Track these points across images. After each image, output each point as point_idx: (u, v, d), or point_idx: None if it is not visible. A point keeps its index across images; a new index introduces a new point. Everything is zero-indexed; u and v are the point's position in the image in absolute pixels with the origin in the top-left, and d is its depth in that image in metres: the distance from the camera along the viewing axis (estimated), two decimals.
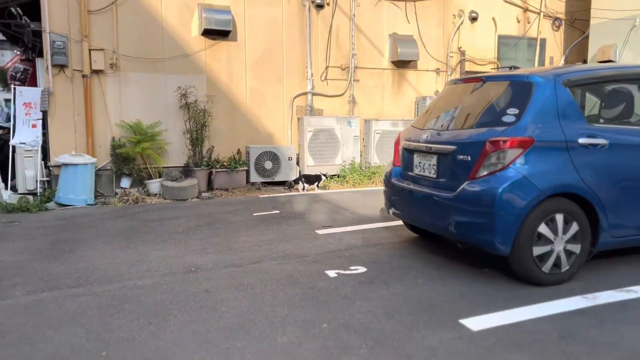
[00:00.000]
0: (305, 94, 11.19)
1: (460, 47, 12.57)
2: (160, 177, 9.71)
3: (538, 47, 13.35)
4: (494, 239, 4.36)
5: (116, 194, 9.48)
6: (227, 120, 10.52)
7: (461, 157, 4.69)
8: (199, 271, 5.16)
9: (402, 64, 12.00)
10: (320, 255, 5.61)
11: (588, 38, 13.65)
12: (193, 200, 9.26)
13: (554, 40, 13.65)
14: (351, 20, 11.40)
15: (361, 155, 11.33)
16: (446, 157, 4.89)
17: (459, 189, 4.62)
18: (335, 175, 10.93)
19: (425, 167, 5.18)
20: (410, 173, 5.50)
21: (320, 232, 6.62)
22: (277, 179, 10.47)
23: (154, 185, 9.57)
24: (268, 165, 10.35)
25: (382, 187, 9.63)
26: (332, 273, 5.00)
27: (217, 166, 10.04)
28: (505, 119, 4.55)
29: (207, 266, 5.31)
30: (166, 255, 5.74)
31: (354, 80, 11.57)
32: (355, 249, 5.83)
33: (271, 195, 9.57)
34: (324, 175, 10.16)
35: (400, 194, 5.59)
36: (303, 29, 11.03)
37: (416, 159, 5.37)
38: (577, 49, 13.67)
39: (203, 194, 9.62)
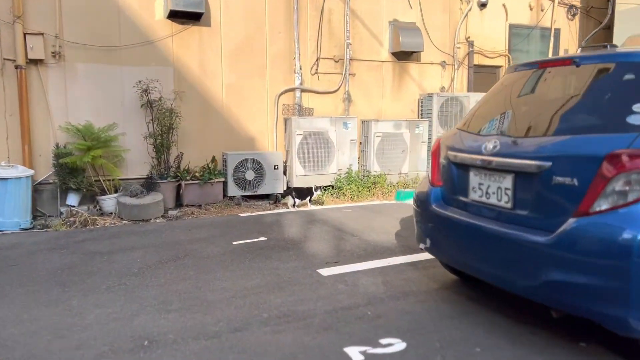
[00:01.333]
0: (292, 90, 9.46)
1: (469, 37, 11.00)
2: (116, 192, 7.87)
3: (552, 38, 11.88)
4: (625, 314, 2.71)
5: (61, 213, 7.61)
6: (199, 121, 8.74)
7: (561, 179, 3.03)
8: (153, 348, 3.42)
9: (403, 56, 10.37)
10: (331, 314, 3.90)
11: (609, 28, 12.25)
12: (157, 221, 7.45)
13: (568, 30, 12.20)
14: (346, 4, 9.71)
15: (359, 163, 9.66)
16: (531, 178, 3.22)
17: (559, 230, 2.96)
18: (329, 186, 9.24)
19: (492, 191, 3.52)
20: (462, 198, 3.83)
21: (325, 272, 4.91)
22: (261, 191, 8.73)
23: (109, 202, 7.74)
24: (249, 175, 8.59)
25: (385, 202, 7.93)
26: (355, 353, 3.30)
27: (188, 177, 8.25)
28: (633, 119, 2.91)
29: (166, 337, 3.57)
30: (110, 315, 3.97)
31: (349, 75, 9.90)
32: (379, 302, 4.14)
33: (254, 213, 7.82)
34: (317, 188, 8.44)
35: (445, 227, 3.92)
36: (290, 13, 9.31)
37: (474, 178, 3.70)
38: (593, 40, 12.24)
39: (170, 213, 7.83)
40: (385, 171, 9.54)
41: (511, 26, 11.49)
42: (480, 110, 4.16)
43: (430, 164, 4.35)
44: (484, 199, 3.61)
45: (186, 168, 8.45)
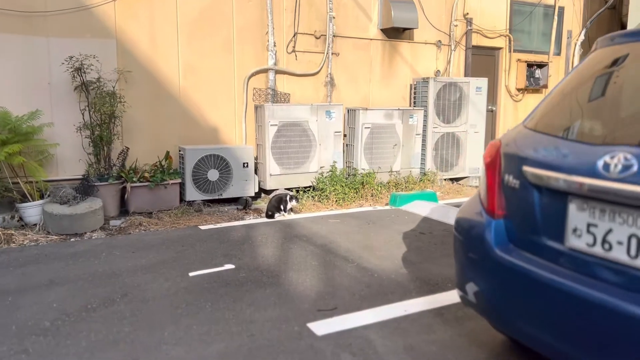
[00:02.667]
0: (265, 71, 7.88)
1: (467, 14, 9.60)
2: (42, 197, 6.19)
3: (556, 17, 10.59)
4: None
5: None
6: (149, 109, 7.09)
7: None
8: None
9: (394, 33, 8.89)
10: None
11: (614, 9, 11.04)
12: (94, 235, 5.82)
13: (572, 10, 10.94)
14: None
15: (344, 159, 8.18)
16: None
17: None
18: (309, 187, 7.74)
19: (618, 239, 2.09)
20: (552, 244, 2.39)
21: (319, 327, 3.44)
22: (227, 195, 7.16)
23: (32, 211, 6.05)
24: (213, 175, 7.01)
25: (377, 207, 6.55)
26: None
27: (135, 179, 6.61)
28: None
29: None
30: None
31: (332, 54, 8.36)
32: None
33: (219, 224, 6.25)
34: (293, 198, 6.95)
35: (514, 285, 2.48)
36: None
37: (578, 214, 2.26)
38: (598, 22, 11.02)
39: (112, 223, 6.21)
40: (375, 169, 8.09)
41: (513, 2, 10.13)
42: (566, 102, 2.72)
43: (484, 180, 2.89)
44: (598, 250, 2.17)
45: (133, 167, 6.80)
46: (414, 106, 8.92)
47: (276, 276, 4.42)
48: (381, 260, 4.81)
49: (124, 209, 6.71)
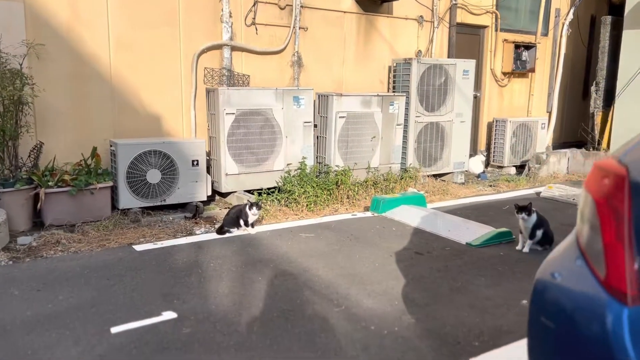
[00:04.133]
0: (219, 47, 6.48)
1: None
2: None
3: None
4: None
5: None
6: (70, 93, 5.60)
7: None
8: None
9: (371, 6, 7.63)
10: None
11: None
12: None
13: None
14: None
15: (315, 154, 6.92)
16: None
17: None
18: (274, 188, 6.45)
19: None
20: None
21: None
22: (172, 200, 5.80)
23: None
24: (153, 176, 5.63)
25: (357, 214, 5.54)
26: None
27: (51, 183, 5.16)
28: None
29: None
30: None
31: (299, 28, 7.03)
32: None
33: (160, 243, 4.87)
34: (257, 203, 5.68)
35: None
36: None
37: None
38: (586, 0, 10.07)
39: (20, 241, 4.78)
40: (350, 165, 6.87)
41: None
42: None
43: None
44: None
45: (49, 167, 5.34)
46: (394, 91, 7.71)
47: (235, 332, 3.14)
48: (376, 301, 3.60)
49: (38, 221, 5.26)
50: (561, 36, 9.90)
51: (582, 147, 9.66)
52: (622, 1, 9.70)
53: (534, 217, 4.55)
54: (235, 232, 5.11)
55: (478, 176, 8.57)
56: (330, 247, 4.72)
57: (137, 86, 5.98)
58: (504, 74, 9.37)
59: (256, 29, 6.73)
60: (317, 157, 6.96)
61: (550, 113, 10.11)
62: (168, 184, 5.73)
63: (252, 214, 5.01)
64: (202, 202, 5.97)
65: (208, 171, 6.18)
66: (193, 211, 5.82)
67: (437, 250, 4.70)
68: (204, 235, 5.11)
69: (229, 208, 6.10)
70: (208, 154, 6.31)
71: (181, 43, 6.20)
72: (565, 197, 6.65)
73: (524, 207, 4.53)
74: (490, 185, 7.87)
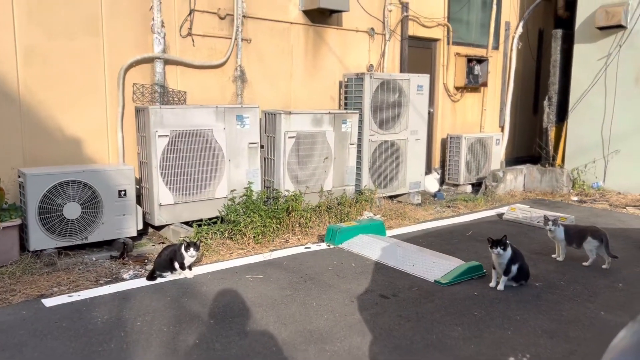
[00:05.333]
0: (150, 60, 5.74)
1: None
2: None
3: (494, 6, 9.36)
4: None
5: None
6: None
7: None
8: None
9: (320, 17, 7.09)
10: None
11: (549, 0, 10.07)
12: None
13: (510, 0, 9.78)
14: None
15: (263, 178, 6.25)
16: None
17: None
18: (216, 219, 5.73)
19: None
20: None
21: None
22: (95, 237, 4.98)
23: None
24: (72, 210, 4.80)
25: (310, 245, 5.08)
26: None
27: None
28: None
29: None
30: None
31: (242, 40, 6.38)
32: None
33: (76, 295, 4.04)
34: (195, 243, 4.97)
35: None
36: None
37: None
38: (533, 14, 9.97)
39: None
40: (302, 188, 6.26)
41: None
42: None
43: None
44: None
45: None
46: (346, 108, 7.18)
47: None
48: None
49: None
50: (511, 50, 9.73)
51: (537, 162, 9.47)
52: (569, 15, 9.67)
53: (509, 251, 4.07)
54: (169, 276, 4.36)
55: (434, 196, 8.15)
56: (282, 293, 4.06)
57: (52, 105, 5.13)
58: (457, 88, 9.06)
59: (193, 41, 6.03)
60: (264, 181, 6.29)
61: (502, 128, 9.89)
62: (90, 219, 4.91)
63: (189, 256, 4.28)
64: (132, 237, 5.18)
65: (139, 202, 5.39)
66: (121, 249, 5.01)
67: (403, 291, 4.13)
68: (132, 281, 4.33)
69: (163, 243, 5.37)
70: (138, 181, 5.52)
71: (105, 55, 5.41)
72: (529, 219, 6.29)
73: (498, 241, 4.04)
74: (448, 206, 7.44)
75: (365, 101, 6.90)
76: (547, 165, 9.01)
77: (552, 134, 9.22)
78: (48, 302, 3.84)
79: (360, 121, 6.93)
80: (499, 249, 4.03)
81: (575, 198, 7.86)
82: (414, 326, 3.50)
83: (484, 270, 4.51)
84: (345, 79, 7.19)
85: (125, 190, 5.08)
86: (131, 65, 5.57)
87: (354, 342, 3.27)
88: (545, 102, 9.36)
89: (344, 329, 3.45)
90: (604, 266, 4.70)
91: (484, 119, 9.61)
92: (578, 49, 8.55)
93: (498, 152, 9.07)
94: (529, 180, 8.49)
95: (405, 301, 3.92)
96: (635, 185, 7.97)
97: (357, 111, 6.88)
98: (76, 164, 5.24)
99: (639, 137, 7.90)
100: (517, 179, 8.43)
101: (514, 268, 4.14)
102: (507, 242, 4.07)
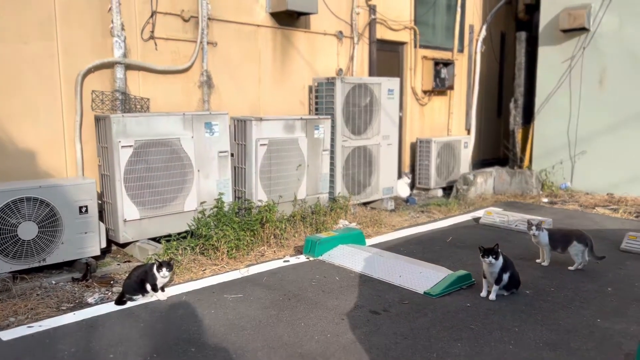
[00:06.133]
0: (110, 65, 5.35)
1: (369, 0, 7.88)
2: None
3: (459, 9, 9.37)
4: None
5: None
6: None
7: None
8: None
9: (288, 20, 6.85)
10: None
11: (510, 3, 10.18)
12: None
13: (473, 3, 9.82)
14: None
15: (234, 188, 5.94)
16: None
17: None
18: (186, 233, 5.38)
19: None
20: None
21: None
22: (54, 258, 4.56)
23: None
24: (27, 230, 4.37)
25: (289, 259, 4.87)
26: None
27: None
28: None
29: None
30: None
31: (207, 44, 6.07)
32: None
33: (36, 326, 3.64)
34: (168, 262, 4.64)
35: None
36: None
37: None
38: (495, 17, 10.05)
39: None
40: (275, 198, 5.99)
41: None
42: None
43: None
44: None
45: None
46: (317, 114, 6.96)
47: None
48: None
49: None
50: (476, 52, 9.76)
51: (503, 164, 9.52)
52: (529, 18, 9.80)
53: (501, 260, 3.93)
54: (141, 299, 4.00)
55: (406, 201, 8.03)
56: (266, 313, 3.78)
57: (2, 115, 4.68)
58: (425, 92, 8.99)
59: (155, 44, 5.67)
60: (235, 191, 5.99)
61: (469, 131, 9.90)
62: (48, 239, 4.49)
63: (162, 276, 3.94)
64: (95, 257, 4.78)
65: (101, 218, 5.00)
66: (83, 270, 4.61)
67: (394, 305, 3.93)
68: (99, 306, 3.95)
69: (129, 262, 4.99)
70: (100, 196, 5.12)
71: (60, 61, 4.99)
72: (507, 223, 6.22)
73: (490, 250, 3.90)
74: (422, 211, 7.32)
75: (337, 106, 6.70)
76: (515, 168, 9.06)
77: (519, 136, 9.28)
78: (5, 335, 3.43)
79: (333, 127, 6.72)
80: (490, 258, 3.88)
81: (546, 200, 7.90)
82: (411, 344, 3.30)
83: (473, 280, 4.36)
84: (316, 84, 6.97)
85: (86, 206, 4.68)
86: (89, 71, 5.17)
87: None
88: (512, 105, 9.42)
89: (338, 351, 3.21)
90: (570, 268, 4.65)
91: (451, 122, 9.59)
92: (542, 52, 8.64)
93: (466, 155, 9.05)
94: (498, 183, 8.49)
95: (398, 316, 3.72)
96: (601, 185, 8.08)
97: (329, 116, 6.67)
98: (31, 179, 4.79)
99: (604, 138, 8.02)
100: (487, 181, 8.41)
101: (505, 277, 4.00)
102: (499, 250, 3.93)
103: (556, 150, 8.50)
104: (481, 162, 10.19)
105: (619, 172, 7.89)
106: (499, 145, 10.90)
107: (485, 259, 3.90)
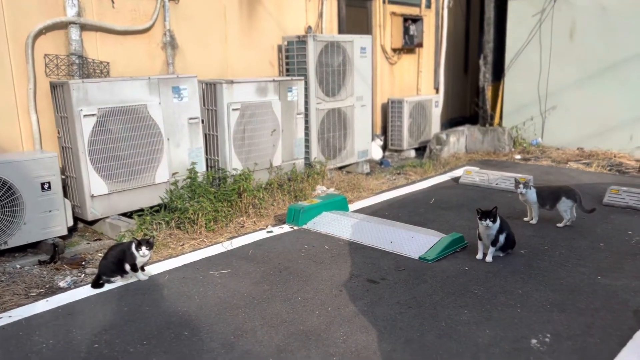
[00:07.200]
0: (63, 26, 4.84)
1: None
2: None
3: None
4: None
5: None
6: None
7: None
8: None
9: None
10: None
11: None
12: None
13: None
14: None
15: (206, 157, 5.60)
16: None
17: None
18: (158, 207, 5.05)
19: None
20: None
21: None
22: (17, 241, 4.17)
23: None
24: None
25: (272, 230, 4.89)
26: None
27: None
28: None
29: None
30: None
31: (168, 1, 5.59)
32: None
33: (8, 315, 3.29)
34: (148, 240, 4.32)
35: None
36: None
37: None
38: None
39: None
40: (250, 166, 5.69)
41: None
42: None
43: None
44: None
45: None
46: (288, 74, 6.62)
47: None
48: None
49: None
50: (443, 8, 9.52)
51: (471, 123, 9.46)
52: None
53: (498, 222, 3.82)
54: (119, 281, 3.69)
55: (380, 163, 7.88)
56: (258, 289, 3.55)
57: None
58: (394, 50, 8.74)
59: (112, 2, 5.16)
60: (208, 160, 5.65)
61: (437, 89, 9.76)
62: (8, 220, 4.08)
63: (142, 256, 3.62)
64: (62, 237, 4.40)
65: (66, 194, 4.59)
66: (50, 252, 4.24)
67: (390, 272, 3.77)
68: (73, 291, 3.62)
69: (100, 240, 4.64)
70: (63, 170, 4.70)
71: (6, 21, 4.45)
72: (487, 181, 6.16)
73: (488, 213, 3.77)
74: (398, 173, 7.18)
75: (310, 66, 6.38)
76: (486, 125, 9.02)
77: (489, 93, 9.22)
78: None
79: (306, 89, 6.41)
80: (488, 221, 3.76)
81: (519, 156, 7.91)
82: (417, 313, 3.15)
83: (466, 242, 4.25)
84: (286, 43, 6.60)
85: (48, 183, 4.27)
86: (40, 33, 4.65)
87: (359, 340, 2.86)
88: (481, 61, 9.31)
89: (342, 325, 3.03)
90: (558, 225, 4.62)
91: (420, 81, 9.41)
92: (512, 6, 8.50)
93: (437, 115, 8.93)
94: (470, 142, 8.44)
95: (397, 284, 3.57)
96: (571, 140, 8.15)
97: (302, 77, 6.34)
98: None
99: (574, 93, 8.04)
100: (460, 140, 8.34)
101: (502, 238, 3.90)
102: (497, 213, 3.81)
103: (527, 107, 8.48)
104: (449, 121, 10.12)
105: (589, 126, 7.96)
106: (467, 103, 10.85)
107: (483, 222, 3.78)
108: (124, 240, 4.32)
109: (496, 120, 9.02)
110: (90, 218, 4.65)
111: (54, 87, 4.61)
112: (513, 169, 6.98)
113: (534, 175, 6.44)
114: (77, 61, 4.88)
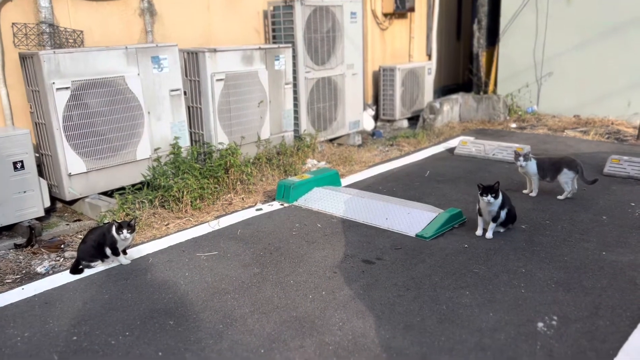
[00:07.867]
0: None
1: None
2: None
3: None
4: None
5: None
6: None
7: None
8: None
9: None
10: None
11: None
12: None
13: None
14: None
15: (190, 131, 5.33)
16: None
17: None
18: (141, 184, 4.81)
19: None
20: None
21: None
22: None
23: None
24: None
25: (262, 207, 4.86)
26: None
27: None
28: None
29: None
30: None
31: None
32: None
33: None
34: (130, 222, 4.09)
35: None
36: None
37: None
38: None
39: None
40: (237, 140, 5.45)
41: None
42: None
43: None
44: None
45: None
46: (274, 42, 6.30)
47: None
48: None
49: None
50: None
51: (467, 91, 9.21)
52: None
53: (500, 197, 3.63)
54: (100, 265, 3.48)
55: (372, 134, 7.64)
56: (248, 272, 3.36)
57: None
58: (385, 15, 8.40)
59: None
60: (192, 135, 5.39)
61: (430, 56, 9.46)
62: None
63: (123, 239, 3.40)
64: (39, 218, 4.16)
65: (41, 173, 4.33)
66: (27, 235, 4.00)
67: (387, 252, 3.59)
68: (52, 277, 3.40)
69: (79, 220, 4.41)
70: (37, 148, 4.42)
71: None
72: (484, 152, 5.96)
73: (490, 188, 3.58)
74: (391, 145, 6.96)
75: (298, 33, 6.06)
76: (480, 93, 8.78)
77: (483, 60, 8.94)
78: None
79: (294, 57, 6.11)
80: (490, 197, 3.57)
81: (514, 125, 7.70)
82: (417, 296, 2.98)
83: (465, 217, 4.08)
84: (272, 8, 6.26)
85: (21, 161, 4.01)
86: (7, 0, 4.31)
87: (356, 327, 2.69)
88: (475, 26, 8.99)
89: (337, 310, 2.85)
90: (559, 197, 4.46)
91: (412, 48, 9.10)
92: None
93: (430, 83, 8.67)
94: (464, 110, 8.20)
95: (394, 265, 3.39)
96: (567, 107, 7.95)
97: (289, 44, 6.03)
98: None
99: (571, 59, 7.80)
100: (454, 109, 8.11)
101: (503, 213, 3.72)
102: (499, 188, 3.62)
103: (522, 73, 8.24)
104: (442, 88, 9.86)
105: (585, 93, 7.75)
106: (460, 70, 10.57)
107: (484, 198, 3.59)
108: (105, 221, 4.10)
109: (490, 87, 8.78)
110: (68, 198, 4.40)
111: (23, 58, 4.28)
112: (509, 139, 6.78)
113: (531, 145, 6.26)
114: (47, 30, 4.55)
